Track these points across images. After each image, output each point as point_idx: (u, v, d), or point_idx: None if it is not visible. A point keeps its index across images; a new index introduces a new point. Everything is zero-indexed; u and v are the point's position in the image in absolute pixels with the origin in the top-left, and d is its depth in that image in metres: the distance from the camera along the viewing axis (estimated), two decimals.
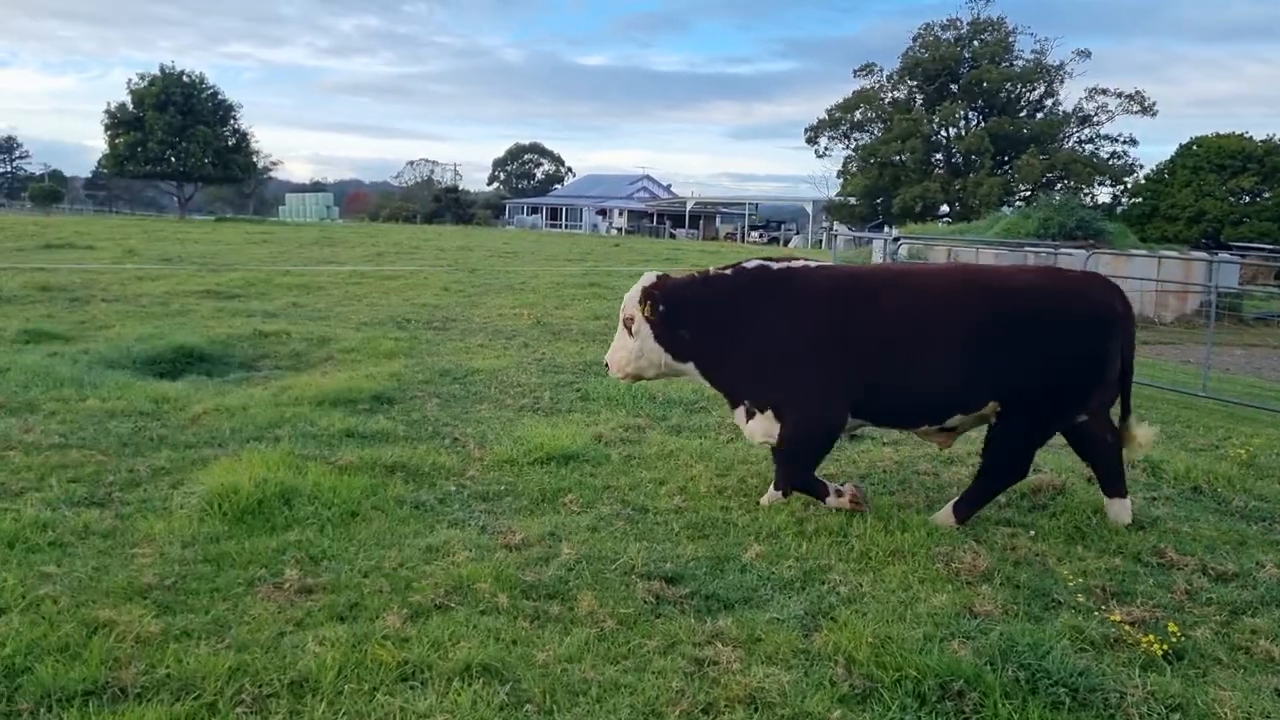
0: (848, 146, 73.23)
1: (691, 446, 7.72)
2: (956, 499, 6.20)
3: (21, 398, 8.45)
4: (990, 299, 6.00)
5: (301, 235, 45.99)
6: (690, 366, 6.50)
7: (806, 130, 73.17)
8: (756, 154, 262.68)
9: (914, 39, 69.20)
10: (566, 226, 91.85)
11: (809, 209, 78.46)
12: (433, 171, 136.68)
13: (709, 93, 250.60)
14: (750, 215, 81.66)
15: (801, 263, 6.49)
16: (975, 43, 67.80)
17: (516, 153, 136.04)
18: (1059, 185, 64.64)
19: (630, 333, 6.48)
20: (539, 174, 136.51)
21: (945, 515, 6.10)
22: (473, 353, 12.23)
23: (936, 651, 4.17)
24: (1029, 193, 63.05)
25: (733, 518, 6.05)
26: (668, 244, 63.74)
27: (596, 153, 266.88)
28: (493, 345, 13.01)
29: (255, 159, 76.07)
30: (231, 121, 73.47)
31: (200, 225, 57.76)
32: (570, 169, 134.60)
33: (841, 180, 72.82)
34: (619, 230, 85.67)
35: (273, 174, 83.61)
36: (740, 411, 6.44)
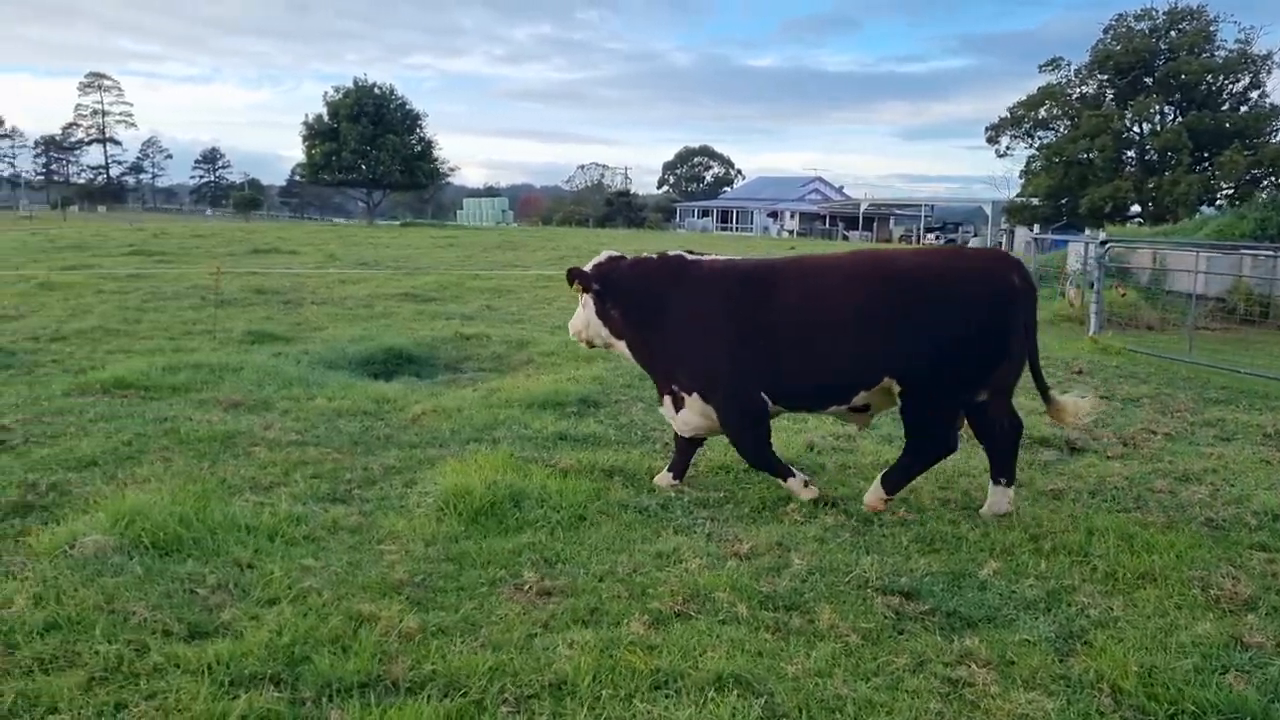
0: (1031, 145, 70.42)
1: None
2: (884, 472, 6.37)
3: (257, 395, 8.99)
4: (882, 280, 6.19)
5: (483, 239, 47.48)
6: (622, 345, 6.85)
7: (987, 129, 70.52)
8: (929, 154, 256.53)
9: (1105, 31, 65.85)
10: (737, 229, 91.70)
11: (987, 210, 75.88)
12: (603, 175, 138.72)
13: (879, 93, 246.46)
14: (925, 217, 79.67)
15: (714, 256, 6.83)
16: (1172, 33, 63.98)
17: (686, 155, 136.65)
18: (1265, 183, 60.41)
19: (582, 303, 6.91)
20: (708, 177, 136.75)
21: (874, 491, 6.28)
22: None
23: (1214, 685, 3.93)
24: (1231, 191, 59.17)
25: (962, 532, 5.87)
26: (842, 246, 62.73)
27: (764, 155, 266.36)
28: None
29: (439, 165, 78.75)
30: (418, 130, 76.50)
31: (388, 230, 60.34)
32: (739, 171, 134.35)
33: (1023, 180, 70.04)
34: (790, 233, 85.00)
35: (450, 179, 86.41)
36: (668, 401, 6.70)
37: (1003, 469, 6.32)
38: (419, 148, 75.85)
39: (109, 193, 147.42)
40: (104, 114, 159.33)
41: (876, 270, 6.31)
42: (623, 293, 6.67)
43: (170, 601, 4.48)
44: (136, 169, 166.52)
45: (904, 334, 6.02)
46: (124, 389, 9.12)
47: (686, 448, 6.81)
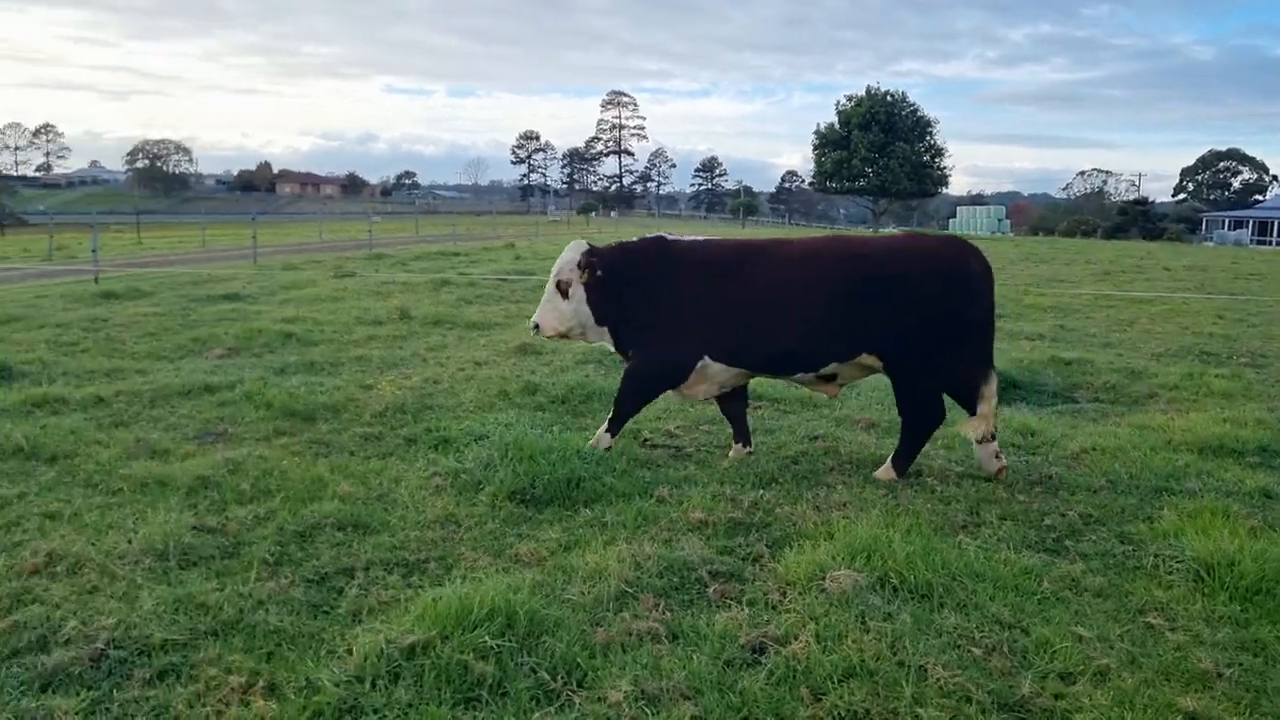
0: None
1: None
2: (892, 455, 6.94)
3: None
4: (849, 262, 6.77)
5: (1002, 250, 45.28)
6: (605, 330, 7.20)
7: None
8: None
9: None
10: (1276, 243, 79.86)
11: None
12: (1104, 182, 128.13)
13: None
14: None
15: (693, 236, 7.41)
16: None
17: (1210, 160, 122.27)
18: None
19: (564, 295, 7.08)
20: (1235, 183, 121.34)
21: (885, 471, 6.86)
22: None
23: None
24: None
25: None
26: None
27: None
28: None
29: (946, 173, 77.00)
30: (928, 137, 75.30)
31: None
32: (1275, 177, 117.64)
33: None
34: None
35: (944, 188, 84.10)
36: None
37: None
38: (927, 155, 74.64)
39: (621, 199, 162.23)
40: (620, 128, 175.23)
41: (848, 253, 6.90)
42: (618, 277, 7.03)
43: (958, 660, 4.10)
44: (645, 178, 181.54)
45: (878, 311, 6.60)
46: (753, 399, 9.25)
47: (732, 413, 7.46)
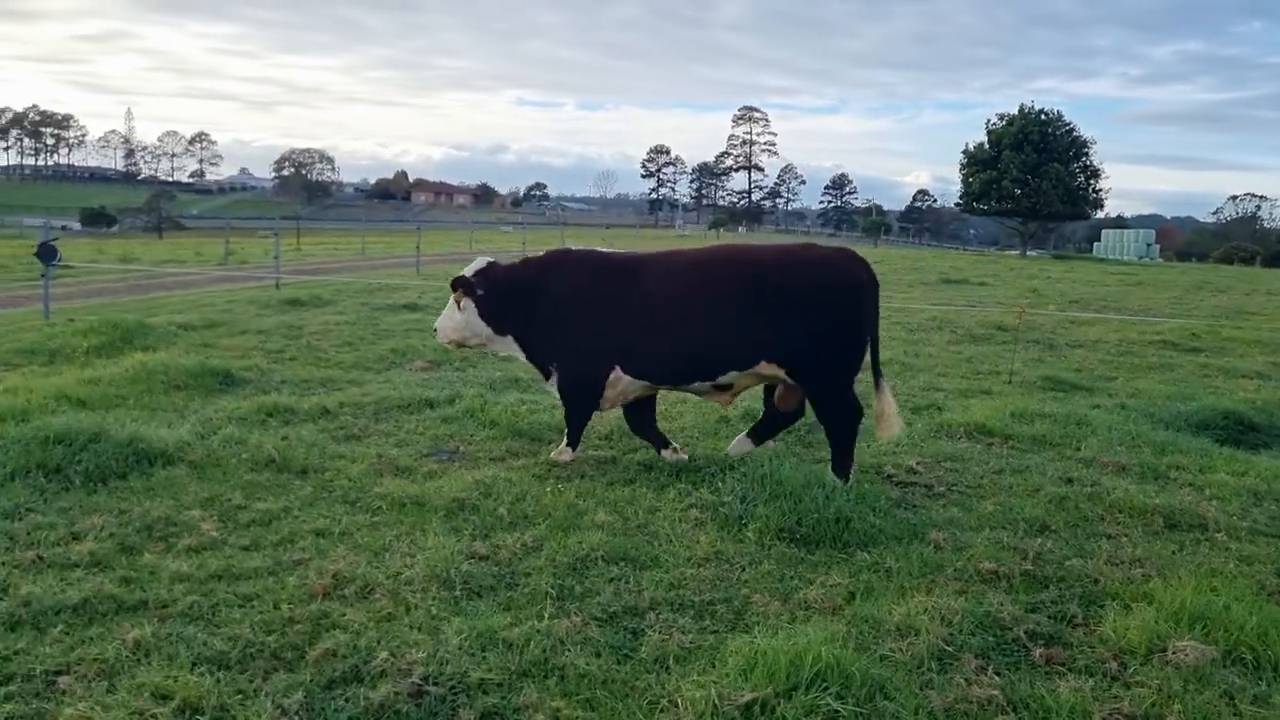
0: None
1: None
2: (830, 464, 6.93)
3: (1136, 459, 8.09)
4: (742, 272, 6.91)
5: (1175, 278, 43.14)
6: (509, 339, 7.43)
7: None
8: None
9: None
10: None
11: None
12: (1259, 207, 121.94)
13: None
14: None
15: (588, 249, 7.73)
16: None
17: None
18: None
19: (459, 307, 7.36)
20: None
21: (831, 480, 6.55)
22: None
23: None
24: None
25: None
26: None
27: None
28: None
29: (1101, 195, 74.07)
30: (1084, 157, 72.59)
31: (1044, 262, 57.96)
32: None
33: None
34: None
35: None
36: (554, 382, 7.35)
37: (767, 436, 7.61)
38: (1082, 177, 71.92)
39: (749, 214, 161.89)
40: (751, 143, 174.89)
41: (742, 264, 7.02)
42: (513, 290, 7.30)
43: None
44: (774, 193, 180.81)
45: (774, 320, 6.71)
46: (985, 434, 8.80)
47: (640, 425, 7.62)
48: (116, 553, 5.25)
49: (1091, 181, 73.00)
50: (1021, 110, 71.92)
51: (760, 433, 7.64)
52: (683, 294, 6.91)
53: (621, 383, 7.14)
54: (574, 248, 7.87)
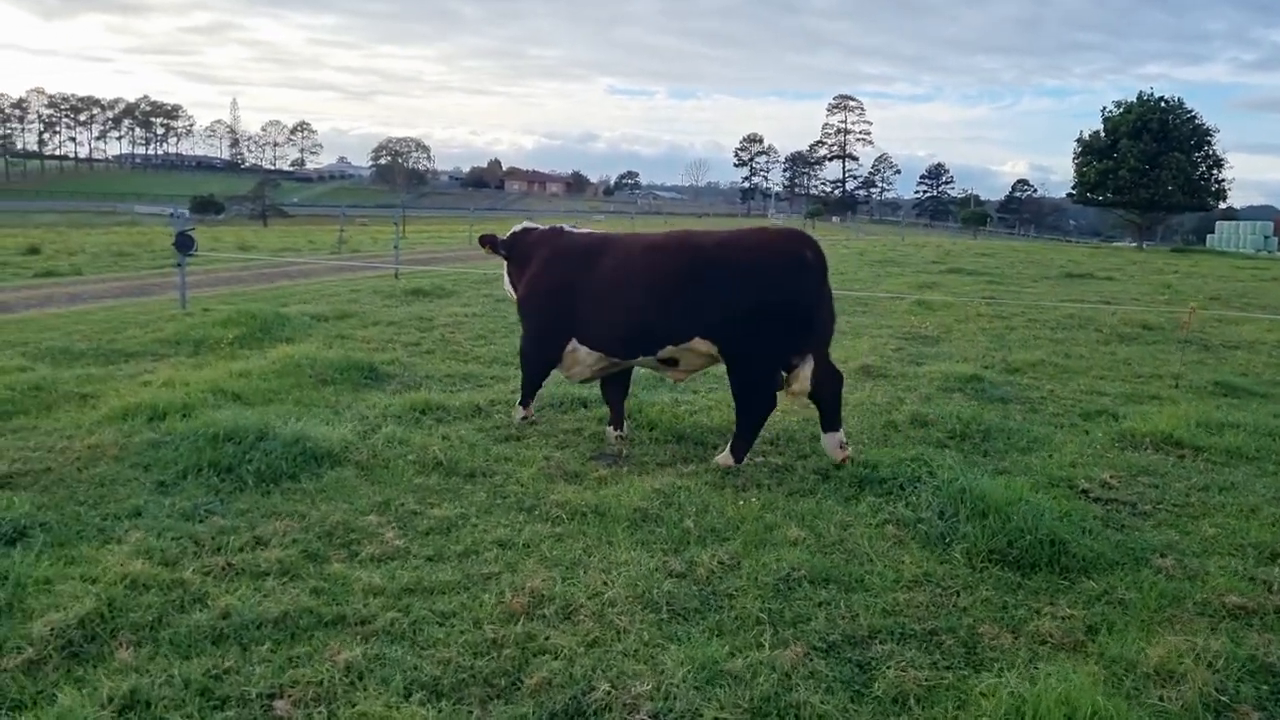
0: None
1: None
2: (730, 442, 7.12)
3: None
4: (687, 253, 7.06)
5: None
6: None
7: None
8: None
9: None
10: None
11: None
12: None
13: None
14: None
15: (570, 227, 8.14)
16: None
17: None
18: None
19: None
20: None
21: (725, 458, 7.02)
22: None
23: None
24: None
25: None
26: None
27: None
28: None
29: (1224, 186, 70.82)
30: (1206, 147, 69.55)
31: (1164, 255, 55.77)
32: None
33: None
34: None
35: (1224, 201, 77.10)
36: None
37: (831, 421, 7.11)
38: (1203, 167, 68.89)
39: (843, 204, 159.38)
40: (846, 132, 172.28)
41: (688, 245, 7.15)
42: (520, 258, 7.92)
43: None
44: (868, 183, 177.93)
45: (711, 298, 6.82)
46: (1173, 445, 8.20)
47: (612, 398, 7.90)
48: (303, 560, 5.08)
49: (1214, 172, 69.87)
50: (1140, 98, 69.04)
51: (827, 422, 7.15)
52: (632, 272, 7.21)
53: (579, 352, 7.51)
54: (566, 226, 8.22)
